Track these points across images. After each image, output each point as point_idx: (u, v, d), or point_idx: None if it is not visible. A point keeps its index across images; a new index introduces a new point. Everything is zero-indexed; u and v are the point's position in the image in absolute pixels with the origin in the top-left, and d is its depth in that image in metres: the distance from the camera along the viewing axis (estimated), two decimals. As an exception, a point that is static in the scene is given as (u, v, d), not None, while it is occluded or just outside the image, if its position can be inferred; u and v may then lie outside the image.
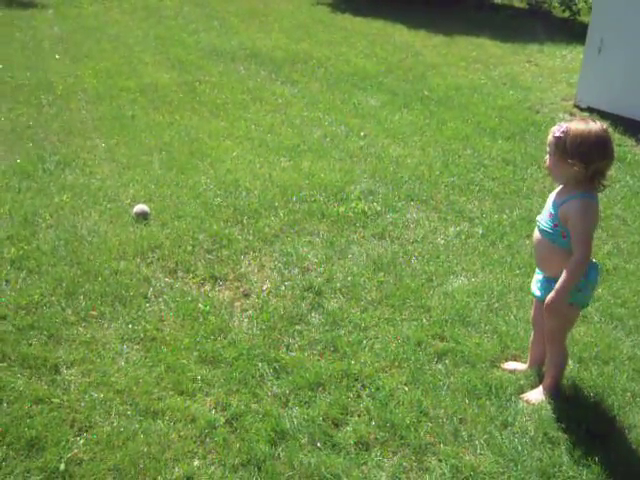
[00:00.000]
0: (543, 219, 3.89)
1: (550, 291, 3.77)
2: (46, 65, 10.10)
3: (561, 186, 3.87)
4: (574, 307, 3.92)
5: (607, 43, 8.97)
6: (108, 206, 6.03)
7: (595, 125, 3.65)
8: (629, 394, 4.18)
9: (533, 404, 4.00)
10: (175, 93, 9.18)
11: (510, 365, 4.37)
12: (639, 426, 3.93)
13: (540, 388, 4.10)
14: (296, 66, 10.86)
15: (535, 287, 4.11)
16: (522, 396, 4.09)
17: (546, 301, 3.80)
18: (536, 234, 3.97)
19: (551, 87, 10.60)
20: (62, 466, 3.47)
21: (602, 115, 9.02)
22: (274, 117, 8.54)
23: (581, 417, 3.95)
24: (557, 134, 3.68)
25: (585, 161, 3.60)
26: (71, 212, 5.90)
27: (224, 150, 7.39)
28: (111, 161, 6.98)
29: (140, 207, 5.89)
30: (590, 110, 9.25)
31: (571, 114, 9.31)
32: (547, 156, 3.83)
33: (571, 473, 3.60)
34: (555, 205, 3.81)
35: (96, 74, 9.70)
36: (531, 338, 4.33)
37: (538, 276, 4.08)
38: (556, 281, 3.74)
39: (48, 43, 11.13)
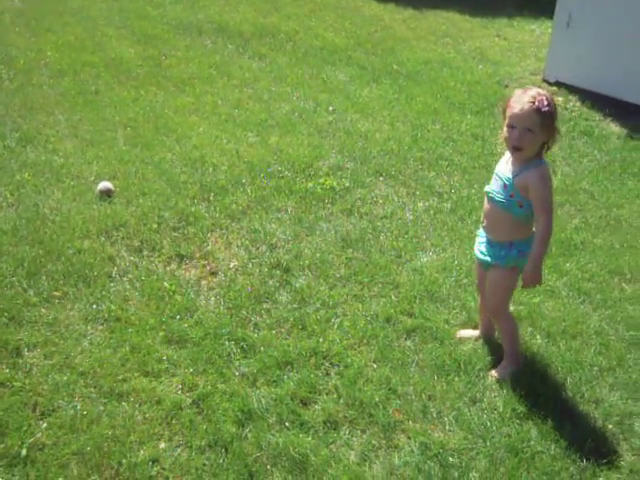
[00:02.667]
0: (496, 190, 3.86)
1: (497, 256, 3.87)
2: (6, 39, 9.86)
3: (509, 155, 3.86)
4: (516, 271, 3.89)
5: (575, 18, 8.93)
6: (71, 184, 5.92)
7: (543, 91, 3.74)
8: (596, 369, 4.19)
9: (499, 378, 4.01)
10: (140, 68, 9.02)
11: (464, 333, 4.39)
12: (606, 400, 3.94)
13: (504, 362, 4.11)
14: (264, 40, 10.73)
15: (477, 250, 4.10)
16: (489, 372, 4.09)
17: (526, 277, 3.77)
18: (488, 204, 3.94)
19: (520, 61, 10.57)
20: (24, 451, 3.41)
21: (570, 89, 9.03)
22: (241, 92, 8.43)
23: (549, 392, 3.97)
24: (545, 109, 3.61)
25: (557, 131, 3.71)
26: (33, 190, 5.78)
27: (190, 126, 7.29)
28: (74, 137, 6.85)
29: (104, 184, 5.79)
30: (558, 84, 9.23)
31: (540, 88, 9.27)
32: (514, 131, 3.68)
33: (539, 448, 3.61)
34: (509, 176, 3.78)
35: (58, 48, 9.50)
36: (479, 303, 4.36)
37: (482, 239, 4.05)
38: (500, 245, 3.84)
39: (8, 16, 10.86)
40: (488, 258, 3.96)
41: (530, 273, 3.73)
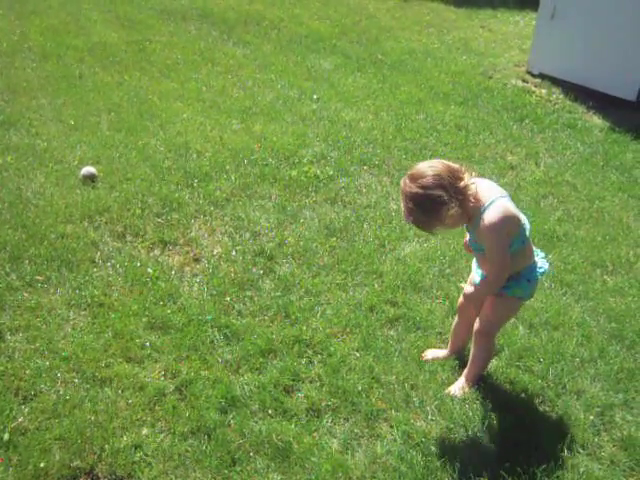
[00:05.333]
0: (471, 241, 3.69)
1: (502, 287, 3.63)
2: (-10, 22, 9.82)
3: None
4: (522, 300, 3.78)
5: (560, 10, 8.96)
6: (54, 168, 5.89)
7: (416, 178, 3.33)
8: (578, 360, 4.21)
9: (456, 396, 3.85)
10: (124, 52, 8.98)
11: (430, 354, 4.20)
12: (588, 392, 3.96)
13: (462, 380, 3.95)
14: (248, 27, 10.70)
15: (478, 279, 3.84)
16: (446, 391, 3.90)
17: (465, 292, 3.77)
18: (474, 252, 3.78)
19: (504, 53, 10.60)
20: (6, 436, 3.39)
21: (554, 81, 9.08)
22: (226, 79, 8.40)
23: (531, 383, 3.98)
24: (409, 221, 3.43)
25: (446, 199, 3.29)
26: (16, 174, 5.74)
27: (174, 112, 7.26)
28: (58, 121, 6.81)
29: (87, 169, 5.76)
30: (542, 76, 9.27)
31: (523, 80, 9.31)
32: (430, 230, 3.56)
33: (521, 438, 3.62)
34: (471, 231, 3.59)
35: (42, 32, 9.44)
36: (454, 324, 4.17)
37: (479, 270, 3.83)
38: (509, 277, 3.59)
39: (-8, -1, 10.82)
40: None
41: (471, 292, 3.75)
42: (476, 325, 3.84)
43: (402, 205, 3.42)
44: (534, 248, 3.73)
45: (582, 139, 7.58)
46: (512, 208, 3.44)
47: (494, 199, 3.40)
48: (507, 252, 3.44)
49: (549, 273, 3.75)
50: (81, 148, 6.26)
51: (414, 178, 3.33)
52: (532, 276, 3.66)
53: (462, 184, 3.33)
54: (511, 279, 3.61)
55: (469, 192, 3.35)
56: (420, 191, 3.28)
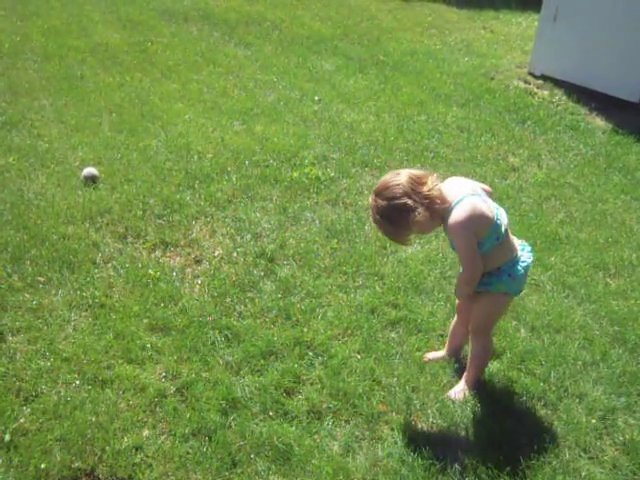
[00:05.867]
0: (449, 242, 3.77)
1: (486, 282, 3.64)
2: (-8, 22, 9.82)
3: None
4: (508, 296, 3.75)
5: (562, 11, 8.96)
6: (56, 169, 5.89)
7: (381, 191, 3.42)
8: (580, 363, 4.20)
9: (455, 400, 3.86)
10: (126, 53, 8.98)
11: (431, 355, 4.21)
12: (590, 395, 3.95)
13: (462, 383, 3.96)
14: (250, 28, 10.70)
15: None
16: (447, 395, 3.91)
17: (455, 292, 3.81)
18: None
19: (506, 54, 10.60)
20: (7, 437, 3.39)
21: (556, 83, 9.07)
22: (227, 80, 8.40)
23: (532, 386, 3.97)
24: (378, 221, 3.48)
25: (411, 206, 3.35)
26: (17, 175, 5.74)
27: (176, 113, 7.26)
28: (59, 122, 6.80)
29: (89, 170, 5.75)
30: (544, 78, 9.26)
31: (526, 81, 9.31)
32: (403, 240, 3.66)
33: (523, 441, 3.62)
34: (446, 231, 3.61)
35: (44, 32, 9.44)
36: (452, 324, 4.19)
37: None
38: (489, 274, 3.61)
39: (-6, -1, 10.82)
40: (477, 287, 3.68)
41: (457, 293, 3.81)
42: (470, 326, 3.87)
43: (372, 220, 3.54)
44: (519, 242, 3.73)
45: (585, 141, 7.57)
46: (481, 206, 3.46)
47: (462, 197, 3.45)
48: (475, 250, 3.47)
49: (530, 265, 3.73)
50: (82, 149, 6.26)
51: (379, 192, 3.44)
52: (513, 270, 3.63)
53: (425, 188, 3.41)
54: (492, 275, 3.63)
55: (433, 195, 3.41)
56: (385, 203, 3.39)
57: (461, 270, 3.70)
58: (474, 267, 3.51)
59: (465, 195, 3.46)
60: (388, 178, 3.45)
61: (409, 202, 3.35)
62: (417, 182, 3.41)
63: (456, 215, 3.41)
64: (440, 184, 3.50)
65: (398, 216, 3.39)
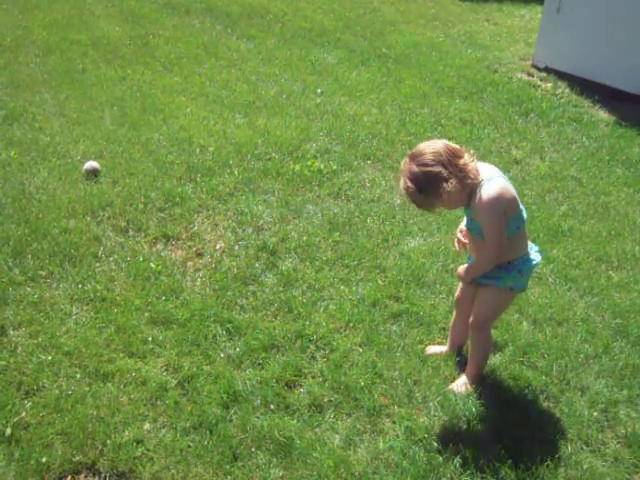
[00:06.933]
0: (468, 225, 3.68)
1: (494, 276, 3.63)
2: (-7, 16, 9.81)
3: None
4: (514, 292, 3.73)
5: (566, 3, 8.92)
6: (57, 162, 5.88)
7: (415, 157, 3.38)
8: (582, 356, 4.19)
9: (457, 394, 3.84)
10: (127, 47, 8.97)
11: (432, 349, 4.20)
12: (592, 388, 3.94)
13: (464, 377, 3.94)
14: (252, 21, 10.68)
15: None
16: (449, 388, 3.89)
17: (458, 272, 3.76)
18: (470, 238, 3.74)
19: (509, 46, 10.56)
20: (8, 430, 3.39)
21: (559, 75, 9.04)
22: (229, 73, 8.39)
23: (535, 379, 3.96)
24: (408, 200, 3.48)
25: (445, 175, 3.32)
26: (19, 168, 5.74)
27: (178, 106, 7.25)
28: (61, 116, 6.80)
29: (91, 164, 5.75)
30: (547, 70, 9.24)
31: (529, 74, 9.28)
32: (430, 209, 3.63)
33: (524, 434, 3.61)
34: (469, 211, 3.56)
35: (46, 26, 9.43)
36: (452, 320, 4.17)
37: (470, 262, 3.81)
38: (499, 267, 3.59)
39: (-4, -7, 10.80)
40: (483, 280, 3.71)
41: (461, 276, 3.74)
42: (471, 319, 3.83)
43: (401, 186, 3.43)
44: (529, 242, 3.70)
45: (588, 133, 7.54)
46: (510, 188, 3.45)
47: (492, 176, 3.43)
48: (503, 230, 3.43)
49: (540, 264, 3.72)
50: (84, 143, 6.25)
51: (414, 157, 3.38)
52: (524, 268, 3.63)
53: (462, 162, 3.37)
54: (502, 269, 3.60)
55: (469, 169, 3.38)
56: (419, 169, 3.33)
57: (471, 260, 3.73)
58: (500, 246, 3.46)
59: (496, 175, 3.45)
60: (425, 144, 3.41)
61: (443, 171, 3.32)
62: (454, 154, 3.37)
63: (489, 190, 3.37)
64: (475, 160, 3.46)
65: (429, 184, 3.34)
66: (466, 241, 3.79)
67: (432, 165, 3.32)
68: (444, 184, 3.32)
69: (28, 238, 4.83)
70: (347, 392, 3.80)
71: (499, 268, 3.60)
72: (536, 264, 3.71)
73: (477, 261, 3.64)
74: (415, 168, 3.34)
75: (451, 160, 3.34)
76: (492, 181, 3.40)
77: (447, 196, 3.36)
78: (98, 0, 10.97)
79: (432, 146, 3.38)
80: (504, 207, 3.40)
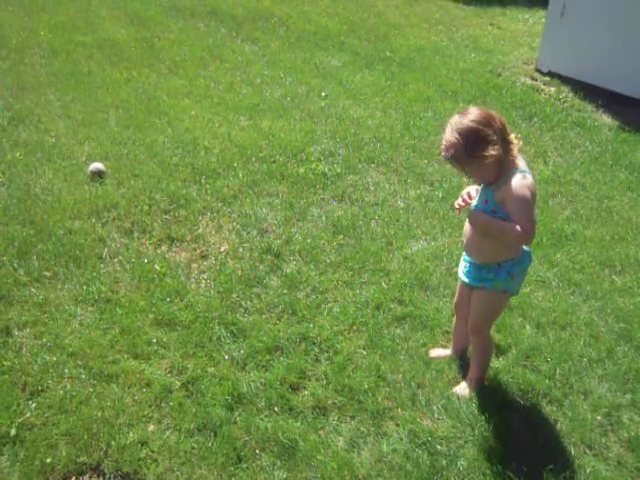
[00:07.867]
0: (479, 206, 3.57)
1: (484, 278, 3.62)
2: (-1, 18, 9.83)
3: None
4: (506, 294, 3.71)
5: (569, 8, 8.93)
6: (63, 164, 5.89)
7: (468, 114, 3.36)
8: (585, 360, 4.20)
9: (460, 397, 3.85)
10: (133, 49, 8.97)
11: (436, 352, 4.21)
12: (595, 392, 3.95)
13: (467, 380, 3.95)
14: (257, 24, 10.69)
15: (462, 272, 3.86)
16: (452, 391, 3.90)
17: (471, 214, 3.59)
18: (468, 224, 3.67)
19: (513, 50, 10.57)
20: (13, 431, 3.40)
21: (563, 80, 9.05)
22: (234, 75, 8.40)
23: (538, 382, 3.97)
24: (447, 155, 3.39)
25: (493, 139, 3.28)
26: (24, 170, 5.75)
27: (182, 108, 7.26)
28: (66, 118, 6.81)
29: (96, 165, 5.76)
30: (551, 74, 9.24)
31: (532, 78, 9.28)
32: (466, 176, 3.64)
33: (528, 438, 3.62)
34: (489, 192, 3.48)
35: (51, 28, 9.44)
36: (454, 323, 4.18)
37: (465, 263, 3.82)
38: (488, 269, 3.59)
39: (1, -5, 10.82)
40: (474, 282, 3.72)
41: (474, 214, 3.56)
42: (468, 324, 3.85)
43: (445, 138, 3.38)
44: (523, 247, 3.65)
45: (591, 138, 7.55)
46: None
47: (527, 172, 3.39)
48: (536, 214, 3.42)
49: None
50: (89, 144, 6.27)
51: (466, 114, 3.36)
52: (515, 271, 3.60)
53: (510, 137, 3.39)
54: (490, 270, 3.60)
55: (513, 146, 3.38)
56: (470, 124, 3.30)
57: (465, 259, 3.77)
58: (534, 225, 3.33)
59: (529, 172, 3.42)
60: (478, 108, 3.41)
61: (492, 135, 3.29)
62: (505, 126, 3.38)
63: (528, 179, 3.34)
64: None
65: (477, 142, 3.29)
66: (470, 201, 3.69)
67: (484, 125, 3.31)
68: (489, 147, 3.28)
69: (33, 239, 4.84)
70: (351, 395, 3.81)
71: (488, 270, 3.61)
72: (526, 266, 3.68)
73: (508, 225, 3.37)
74: (469, 123, 3.30)
75: (502, 130, 3.35)
76: (525, 173, 3.36)
77: (486, 161, 3.31)
78: (103, 2, 10.99)
79: (487, 110, 3.40)
80: (534, 196, 3.37)
